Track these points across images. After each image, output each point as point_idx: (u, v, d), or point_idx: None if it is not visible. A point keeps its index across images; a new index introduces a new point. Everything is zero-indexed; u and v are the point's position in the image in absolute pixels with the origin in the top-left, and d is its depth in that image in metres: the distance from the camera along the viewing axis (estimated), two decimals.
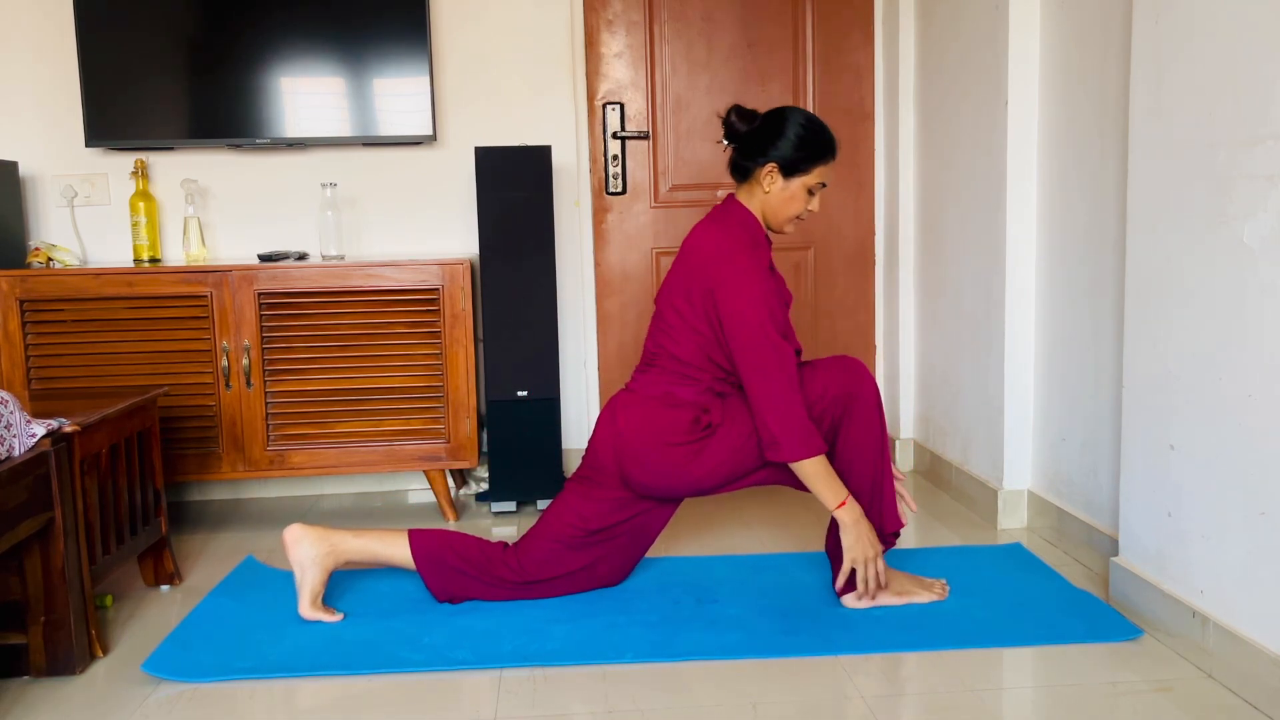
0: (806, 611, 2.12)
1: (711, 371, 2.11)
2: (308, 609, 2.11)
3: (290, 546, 2.14)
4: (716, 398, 2.12)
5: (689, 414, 2.09)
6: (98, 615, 2.15)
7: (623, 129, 3.32)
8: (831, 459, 2.08)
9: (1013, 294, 2.64)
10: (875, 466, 2.09)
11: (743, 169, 2.13)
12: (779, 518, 2.81)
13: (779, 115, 2.09)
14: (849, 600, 2.12)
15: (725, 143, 2.16)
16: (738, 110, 2.11)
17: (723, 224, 2.13)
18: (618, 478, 2.14)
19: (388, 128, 3.06)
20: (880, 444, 2.09)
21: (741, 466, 2.09)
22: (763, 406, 2.02)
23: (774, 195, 2.11)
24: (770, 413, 2.02)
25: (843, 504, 2.05)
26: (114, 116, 2.98)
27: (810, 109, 3.37)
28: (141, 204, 2.99)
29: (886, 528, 2.15)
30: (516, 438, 2.90)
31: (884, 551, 2.12)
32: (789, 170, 2.08)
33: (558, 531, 2.17)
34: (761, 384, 2.02)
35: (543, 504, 2.96)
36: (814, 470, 2.03)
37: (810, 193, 2.12)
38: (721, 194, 3.37)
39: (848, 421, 2.06)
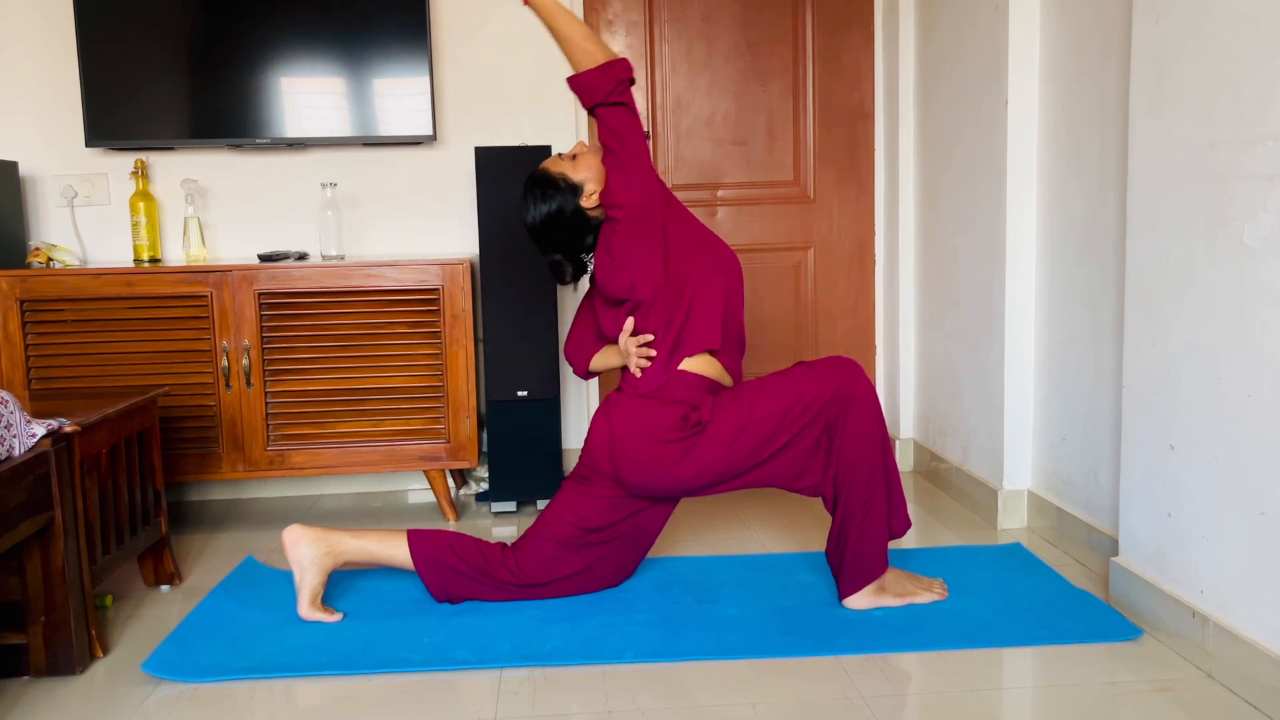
0: (806, 612, 2.12)
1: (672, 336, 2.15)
2: (307, 609, 2.12)
3: (289, 547, 2.14)
4: (707, 394, 2.12)
5: (678, 411, 2.10)
6: (98, 615, 2.15)
7: None
8: (829, 460, 2.08)
9: (1013, 294, 2.64)
10: (876, 465, 2.08)
11: (594, 239, 2.20)
12: (779, 518, 2.81)
13: (536, 226, 2.19)
14: (850, 601, 2.12)
15: (586, 267, 2.27)
16: (555, 278, 2.28)
17: (605, 230, 2.18)
18: (613, 477, 2.14)
19: (388, 128, 3.06)
20: (880, 442, 2.09)
21: (733, 466, 2.08)
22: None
23: (594, 185, 2.16)
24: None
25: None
26: (114, 116, 2.98)
27: (810, 109, 3.38)
28: (141, 204, 2.99)
29: (896, 526, 2.15)
30: (516, 438, 2.90)
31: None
32: (571, 190, 2.16)
33: (556, 531, 2.18)
34: (609, 135, 2.10)
35: (543, 504, 2.96)
36: (570, 44, 2.13)
37: (573, 156, 2.20)
38: (722, 194, 3.38)
39: (845, 422, 2.06)
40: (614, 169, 2.11)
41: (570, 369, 3.29)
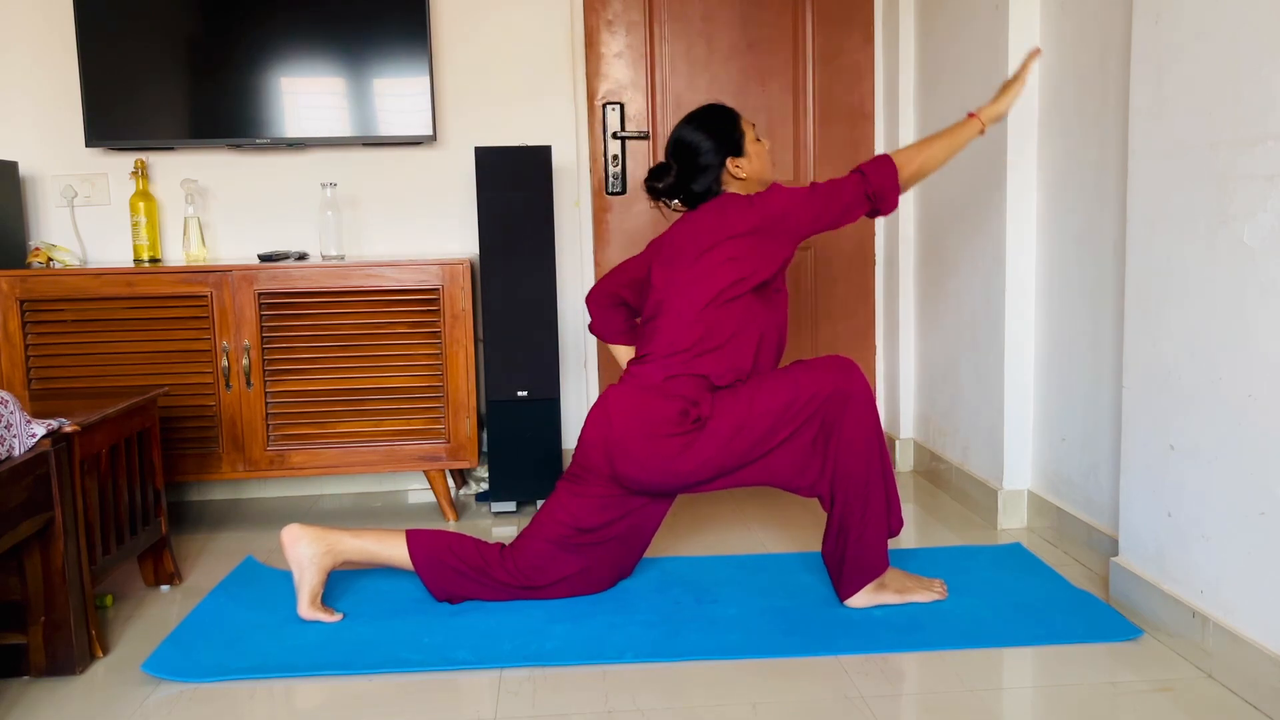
0: (806, 611, 2.12)
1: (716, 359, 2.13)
2: (306, 609, 2.12)
3: (288, 546, 2.14)
4: (708, 391, 2.12)
5: (677, 406, 2.09)
6: (98, 615, 2.15)
7: (623, 129, 3.32)
8: (826, 458, 2.08)
9: (1013, 294, 2.64)
10: (874, 463, 2.08)
11: (703, 192, 2.25)
12: (778, 518, 2.81)
13: (680, 139, 2.25)
14: (851, 600, 2.12)
15: (669, 201, 2.30)
16: (651, 173, 2.29)
17: (729, 201, 2.20)
18: (608, 474, 2.14)
19: (388, 128, 3.07)
20: (876, 441, 2.09)
21: (730, 462, 2.08)
22: (848, 189, 2.17)
23: (749, 170, 2.26)
24: (856, 188, 2.16)
25: (974, 118, 2.24)
26: (114, 116, 2.98)
27: (810, 109, 3.38)
28: (141, 204, 2.99)
29: (893, 525, 2.15)
30: (516, 438, 2.90)
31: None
32: (735, 149, 2.24)
33: (550, 531, 2.17)
34: (834, 189, 2.16)
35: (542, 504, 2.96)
36: (921, 154, 2.20)
37: (758, 140, 2.29)
38: None
39: (842, 421, 2.06)
40: (810, 199, 2.14)
41: (571, 365, 3.30)
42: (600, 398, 2.20)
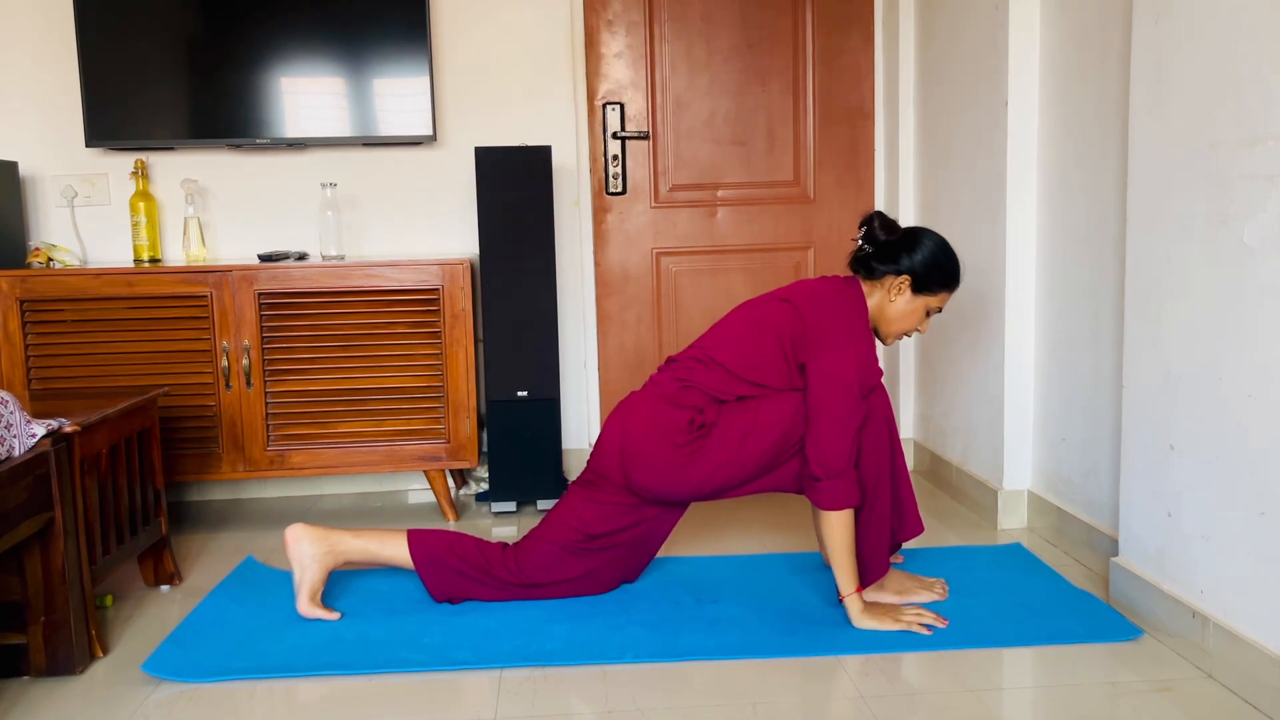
0: (806, 611, 2.12)
1: (741, 388, 2.11)
2: (306, 606, 2.12)
3: (290, 545, 2.14)
4: (715, 402, 2.12)
5: (686, 415, 2.09)
6: (98, 615, 2.15)
7: (623, 129, 3.32)
8: None
9: (1013, 294, 2.64)
10: (883, 466, 2.08)
11: (870, 269, 2.14)
12: (779, 518, 2.81)
13: (919, 234, 2.13)
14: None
15: (859, 242, 2.16)
16: (881, 219, 2.12)
17: (845, 295, 2.13)
18: (621, 481, 2.14)
19: (388, 128, 3.07)
20: (892, 448, 2.10)
21: (741, 470, 2.08)
22: (818, 446, 2.02)
23: (898, 305, 2.13)
24: (824, 451, 2.01)
25: (855, 592, 2.04)
26: (114, 116, 2.98)
27: (810, 109, 3.37)
28: (141, 204, 2.99)
29: (907, 531, 2.15)
30: (516, 438, 2.90)
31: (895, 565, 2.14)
32: (920, 287, 2.12)
33: (557, 534, 2.17)
34: (827, 429, 2.02)
35: (543, 504, 2.96)
36: (842, 532, 2.02)
37: (927, 313, 2.17)
38: (722, 194, 3.38)
39: (860, 426, 2.06)
40: (839, 393, 2.01)
41: (571, 365, 3.30)
42: (620, 404, 2.20)
